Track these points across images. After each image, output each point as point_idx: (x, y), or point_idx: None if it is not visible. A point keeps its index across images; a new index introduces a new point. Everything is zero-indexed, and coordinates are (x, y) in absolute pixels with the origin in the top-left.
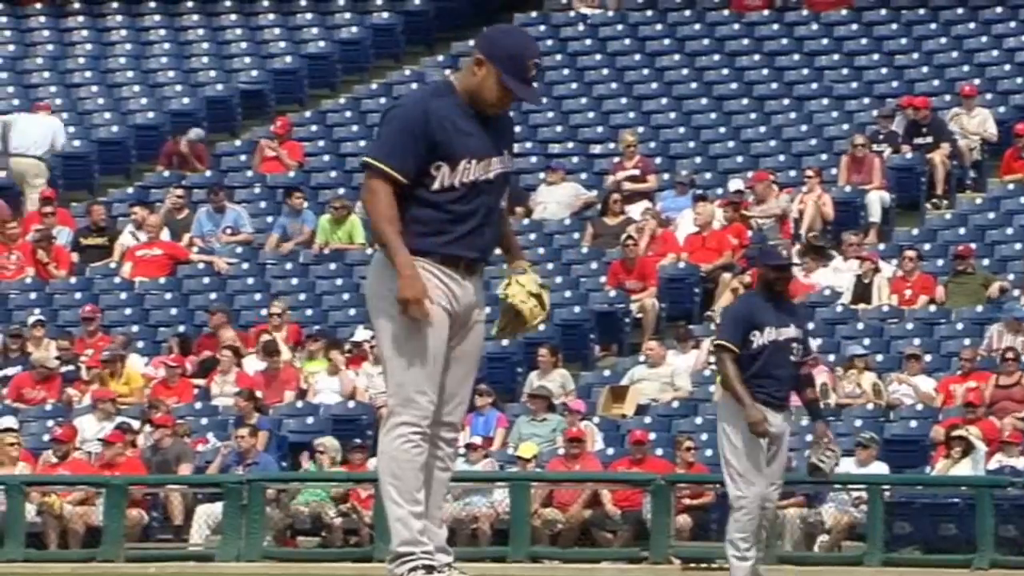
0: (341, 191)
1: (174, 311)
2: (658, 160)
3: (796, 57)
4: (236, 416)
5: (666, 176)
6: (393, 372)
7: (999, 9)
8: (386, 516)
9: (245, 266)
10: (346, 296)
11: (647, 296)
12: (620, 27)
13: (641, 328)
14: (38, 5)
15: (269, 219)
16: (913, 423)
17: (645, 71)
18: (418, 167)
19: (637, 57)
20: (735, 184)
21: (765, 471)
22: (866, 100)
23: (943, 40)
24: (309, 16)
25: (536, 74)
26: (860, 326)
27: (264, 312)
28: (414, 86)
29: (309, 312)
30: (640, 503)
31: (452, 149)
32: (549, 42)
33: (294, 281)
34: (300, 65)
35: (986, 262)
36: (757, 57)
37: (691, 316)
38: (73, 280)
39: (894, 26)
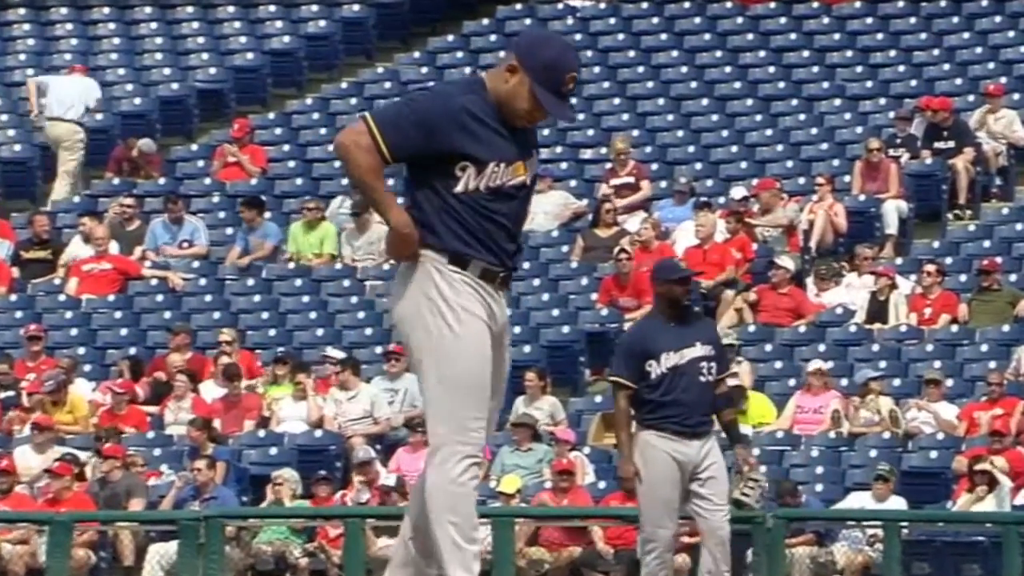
0: (308, 200)
1: (124, 331)
2: (655, 166)
3: (806, 54)
4: (191, 446)
5: (663, 183)
6: (441, 397)
7: None
8: (441, 561)
9: (203, 282)
10: (313, 315)
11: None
12: (613, 20)
13: None
14: None
15: (229, 231)
16: (933, 454)
17: (640, 69)
18: (440, 164)
19: (631, 53)
20: (738, 192)
21: (708, 504)
22: (882, 100)
23: (966, 35)
24: (272, 8)
25: (573, 88)
26: (875, 348)
27: (221, 333)
28: (388, 85)
29: (273, 332)
30: (634, 541)
31: (481, 149)
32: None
33: (256, 299)
34: (262, 62)
35: (1013, 278)
36: (763, 53)
37: None
38: (13, 298)
39: (913, 19)
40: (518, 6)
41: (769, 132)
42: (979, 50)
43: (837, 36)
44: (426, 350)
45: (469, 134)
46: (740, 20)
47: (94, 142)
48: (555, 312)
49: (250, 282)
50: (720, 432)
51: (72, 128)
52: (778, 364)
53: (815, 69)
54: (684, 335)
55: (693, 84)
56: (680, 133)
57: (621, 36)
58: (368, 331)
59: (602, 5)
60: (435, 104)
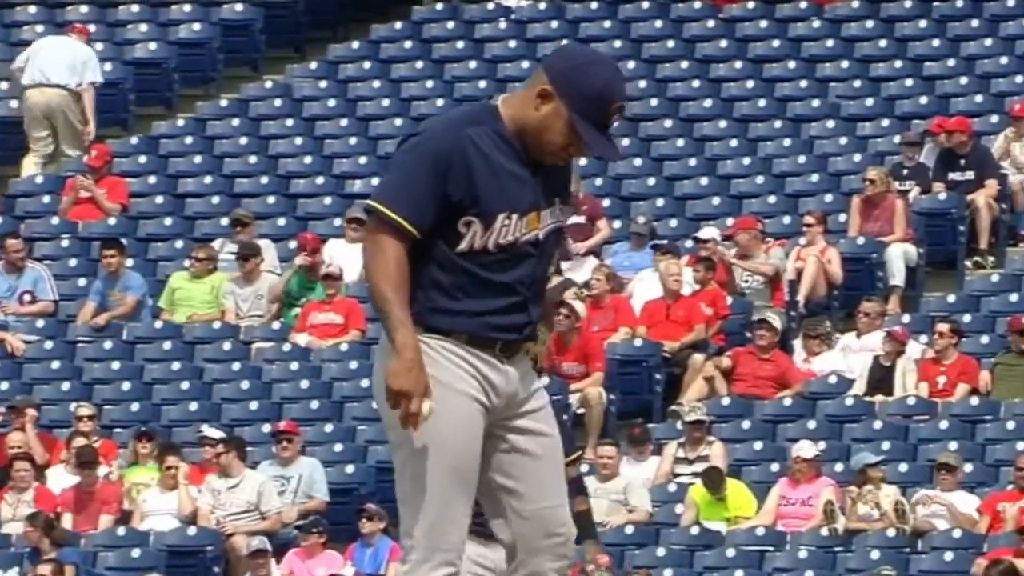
0: (180, 244)
1: None
2: (607, 202)
3: (792, 64)
4: (31, 548)
5: (617, 223)
6: (412, 491)
7: None
8: None
9: (49, 345)
10: (186, 385)
11: (591, 385)
12: (556, 24)
13: (584, 427)
14: None
15: (82, 282)
16: (948, 555)
17: None
18: (440, 217)
19: None
20: (710, 233)
21: None
22: (885, 122)
23: (988, 41)
24: (135, 9)
25: (617, 121)
26: (877, 425)
27: (75, 408)
28: (278, 103)
29: (136, 407)
30: None
31: (488, 199)
32: (460, 44)
33: (116, 365)
34: (123, 75)
35: None
36: (740, 64)
37: (650, 412)
38: None
39: (923, 23)
40: (439, 5)
41: (747, 160)
42: (1003, 60)
43: (830, 43)
44: (396, 433)
45: (474, 179)
46: (711, 24)
47: None
48: None
49: (108, 345)
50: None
51: (62, 95)
52: (758, 445)
53: (803, 83)
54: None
55: (654, 102)
56: (638, 161)
57: (566, 42)
58: (254, 405)
59: (542, 5)
60: (432, 145)
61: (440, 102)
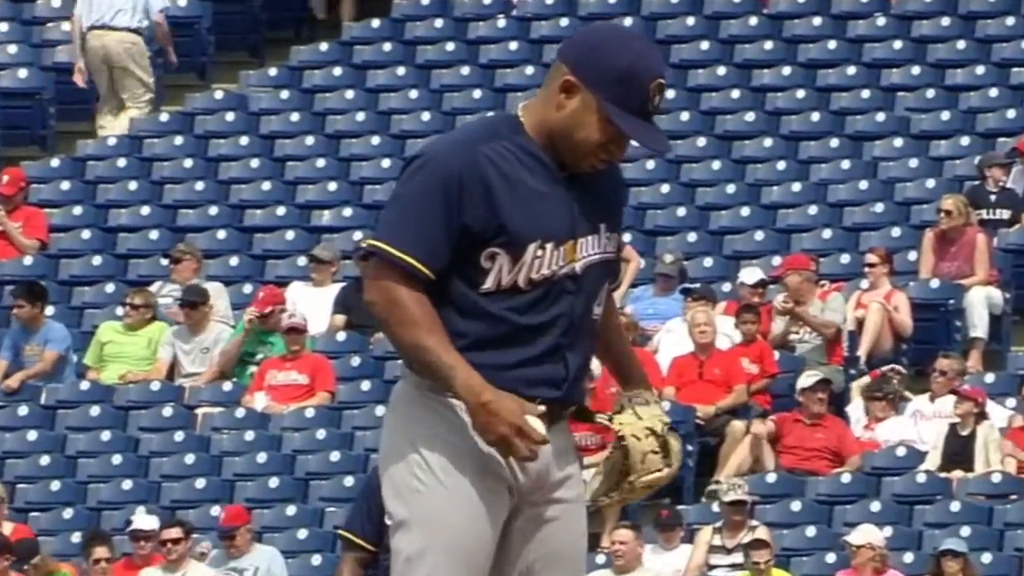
0: (111, 288)
1: None
2: (627, 237)
3: (851, 71)
4: None
5: (641, 262)
6: None
7: None
8: None
9: None
10: (118, 459)
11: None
12: (565, 22)
13: (600, 510)
14: None
15: None
16: None
17: None
18: (458, 252)
19: None
20: (752, 275)
21: None
22: (964, 140)
23: None
24: (56, 3)
25: (660, 103)
26: (955, 507)
27: None
28: (230, 117)
29: (56, 486)
30: None
31: (515, 227)
32: (451, 46)
33: (32, 436)
34: (42, 83)
35: None
36: (788, 71)
37: (680, 491)
38: None
39: (1010, 20)
40: (375, 22)
41: (797, 186)
42: None
43: (898, 45)
44: (396, 511)
45: (496, 202)
46: (754, 21)
47: None
48: None
49: (23, 410)
50: None
51: (129, 38)
52: (810, 531)
53: (865, 93)
54: None
55: (685, 115)
56: (666, 188)
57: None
58: (200, 483)
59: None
60: (440, 169)
61: (426, 116)
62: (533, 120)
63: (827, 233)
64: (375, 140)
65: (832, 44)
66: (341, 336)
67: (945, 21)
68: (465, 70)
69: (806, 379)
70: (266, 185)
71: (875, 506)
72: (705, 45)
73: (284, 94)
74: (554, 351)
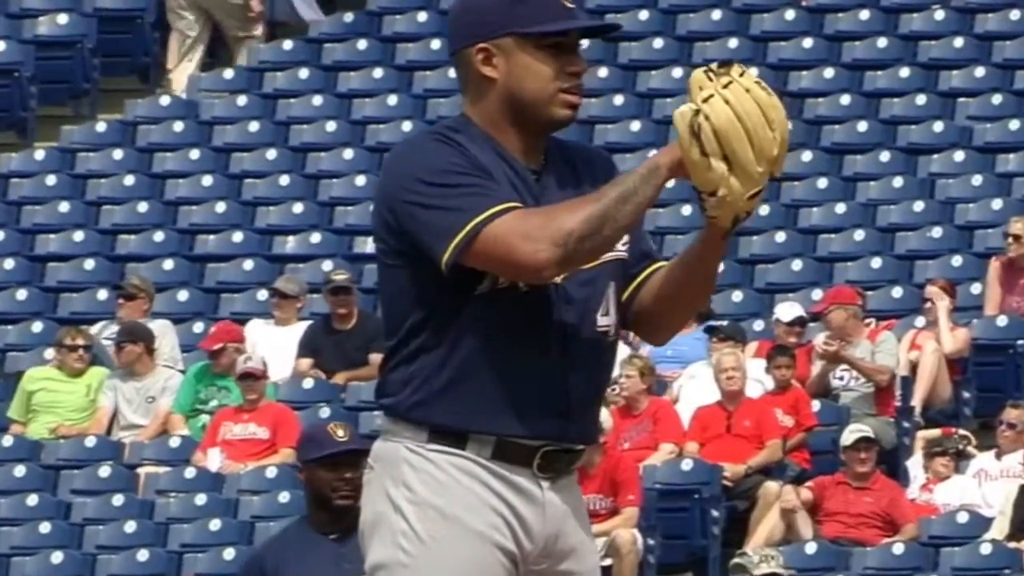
0: (39, 327)
1: None
2: None
3: (904, 73)
4: None
5: None
6: None
7: None
8: None
9: None
10: (45, 527)
11: (622, 525)
12: None
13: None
14: None
15: None
16: None
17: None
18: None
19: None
20: (789, 311)
21: None
22: None
23: None
24: None
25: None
26: None
27: None
28: (179, 126)
29: None
30: None
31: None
32: (435, 44)
33: None
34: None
35: None
36: (830, 73)
37: (705, 563)
38: None
39: None
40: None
41: (842, 207)
42: None
43: (959, 43)
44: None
45: (491, 175)
46: (790, 16)
47: None
48: None
49: None
50: None
51: None
52: None
53: (920, 99)
54: (343, 556)
55: None
56: (686, 209)
57: None
58: (143, 555)
59: None
60: (442, 151)
61: (407, 125)
62: (478, 113)
63: (876, 262)
64: (348, 154)
65: (882, 42)
66: (308, 383)
67: (1014, 14)
68: (453, 72)
69: (848, 435)
70: (220, 206)
71: None
72: (734, 43)
73: (241, 100)
74: (558, 371)
